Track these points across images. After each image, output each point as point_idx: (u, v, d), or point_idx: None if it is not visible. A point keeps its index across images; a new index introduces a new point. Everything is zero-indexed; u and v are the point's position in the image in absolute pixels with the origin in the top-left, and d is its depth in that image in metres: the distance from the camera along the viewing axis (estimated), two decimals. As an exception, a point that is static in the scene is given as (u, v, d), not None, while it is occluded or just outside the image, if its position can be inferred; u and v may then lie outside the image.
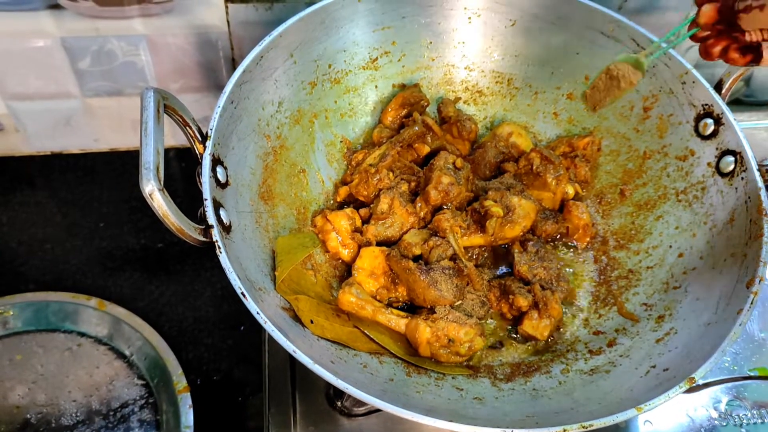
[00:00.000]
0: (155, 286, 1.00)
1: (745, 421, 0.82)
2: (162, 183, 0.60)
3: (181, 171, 1.12)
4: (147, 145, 0.60)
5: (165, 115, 0.66)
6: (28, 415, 0.85)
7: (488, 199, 0.81)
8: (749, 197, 0.75)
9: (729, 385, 0.84)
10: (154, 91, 0.64)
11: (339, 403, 0.78)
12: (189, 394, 0.86)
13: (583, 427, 0.59)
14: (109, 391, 0.88)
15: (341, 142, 0.92)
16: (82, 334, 0.92)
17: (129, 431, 0.85)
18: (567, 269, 0.86)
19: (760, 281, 0.69)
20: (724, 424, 0.81)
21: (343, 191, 0.87)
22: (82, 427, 0.85)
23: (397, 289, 0.79)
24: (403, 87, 0.96)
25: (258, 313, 0.61)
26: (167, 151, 1.12)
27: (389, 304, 0.79)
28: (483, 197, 0.82)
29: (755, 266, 0.70)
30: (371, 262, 0.78)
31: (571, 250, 0.88)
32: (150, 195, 0.58)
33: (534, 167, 0.87)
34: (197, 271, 1.01)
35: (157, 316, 0.95)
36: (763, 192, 0.74)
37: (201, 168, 0.68)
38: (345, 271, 0.82)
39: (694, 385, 0.62)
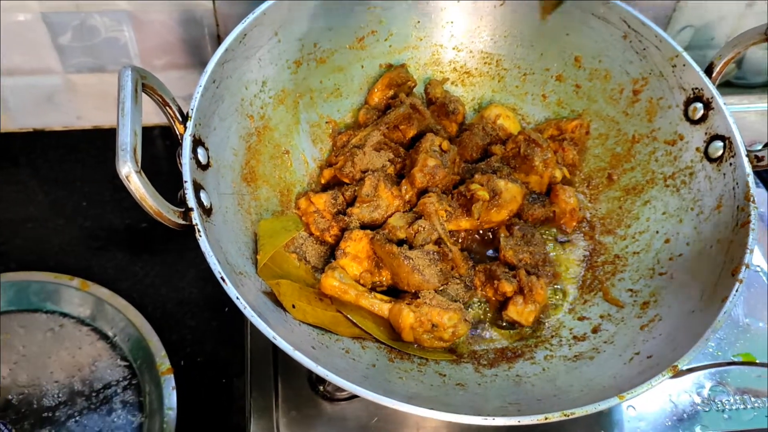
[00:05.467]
0: (139, 267, 0.98)
1: (728, 406, 0.81)
2: (139, 165, 0.58)
3: (165, 149, 1.11)
4: (124, 126, 0.59)
5: (144, 95, 0.65)
6: (10, 396, 0.84)
7: (474, 182, 0.80)
8: (737, 183, 0.75)
9: (713, 370, 0.84)
10: (131, 70, 0.62)
11: (322, 388, 0.78)
12: (172, 375, 0.85)
13: (565, 415, 0.58)
14: (92, 372, 0.87)
15: (326, 122, 0.91)
16: (65, 315, 0.91)
17: (111, 412, 0.84)
18: (553, 254, 0.86)
19: (746, 269, 0.68)
20: (707, 409, 0.81)
21: (328, 173, 0.86)
22: (64, 408, 0.84)
23: (381, 273, 0.78)
24: (390, 67, 0.94)
25: (237, 298, 0.61)
26: (151, 129, 1.11)
27: (373, 288, 0.78)
28: (469, 180, 0.81)
29: (741, 253, 0.69)
30: (355, 245, 0.77)
31: (558, 234, 0.88)
32: (127, 177, 0.57)
33: (521, 150, 0.86)
34: (182, 252, 1.00)
35: (141, 297, 0.94)
36: (751, 178, 0.74)
37: (181, 149, 0.67)
38: (329, 255, 0.81)
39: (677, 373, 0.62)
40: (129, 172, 0.57)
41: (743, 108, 1.14)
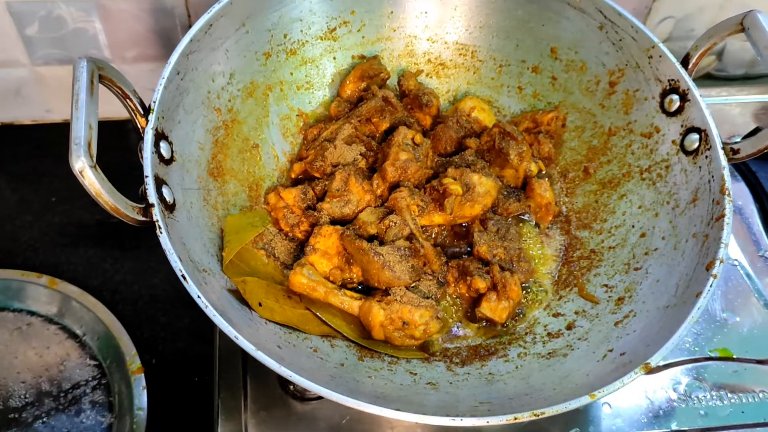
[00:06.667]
0: (109, 264, 0.97)
1: (704, 402, 0.81)
2: (94, 159, 0.57)
3: (138, 143, 1.09)
4: (78, 120, 0.58)
5: (105, 87, 0.63)
6: (-25, 397, 0.83)
7: (447, 176, 0.79)
8: (713, 176, 0.74)
9: (689, 366, 0.83)
10: (87, 61, 0.61)
11: (292, 387, 0.77)
12: (143, 374, 0.84)
13: (535, 415, 0.57)
14: (60, 372, 0.85)
15: (297, 115, 0.89)
16: (32, 313, 0.90)
17: (80, 413, 0.83)
18: (528, 249, 0.84)
19: (720, 263, 0.67)
20: (683, 405, 0.80)
21: (298, 167, 0.84)
22: (32, 408, 0.83)
23: (352, 270, 0.76)
24: (362, 59, 0.93)
25: (198, 296, 0.59)
26: (123, 123, 1.08)
27: (343, 285, 0.77)
28: (442, 174, 0.80)
29: (716, 248, 0.69)
30: (325, 241, 0.76)
31: (533, 229, 0.86)
32: (80, 172, 0.56)
33: (496, 143, 0.84)
34: (153, 248, 0.96)
35: (111, 295, 0.93)
36: (726, 171, 0.73)
37: (143, 143, 0.65)
38: (298, 251, 0.80)
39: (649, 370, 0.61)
40: (83, 167, 0.56)
41: (723, 100, 1.13)
